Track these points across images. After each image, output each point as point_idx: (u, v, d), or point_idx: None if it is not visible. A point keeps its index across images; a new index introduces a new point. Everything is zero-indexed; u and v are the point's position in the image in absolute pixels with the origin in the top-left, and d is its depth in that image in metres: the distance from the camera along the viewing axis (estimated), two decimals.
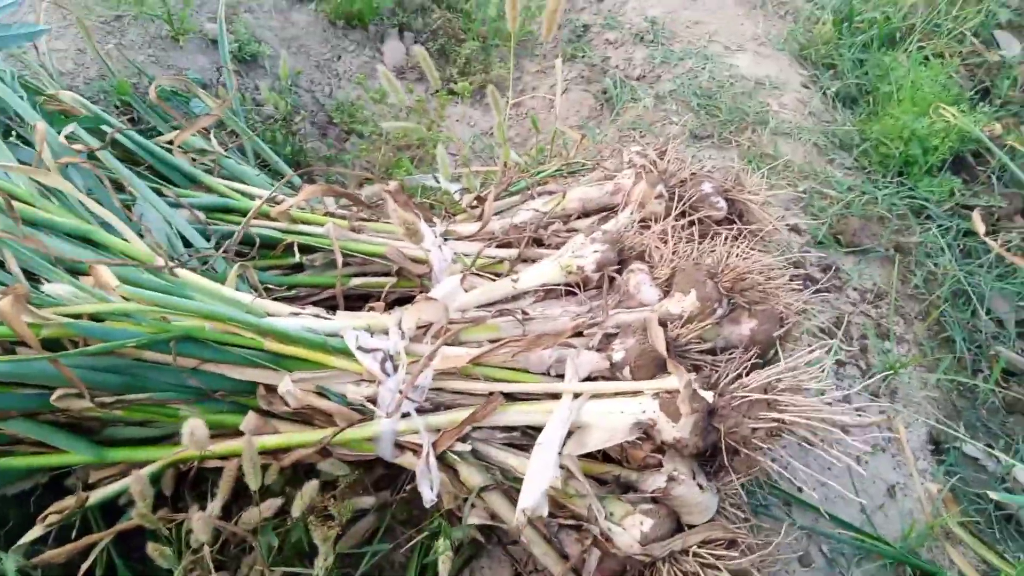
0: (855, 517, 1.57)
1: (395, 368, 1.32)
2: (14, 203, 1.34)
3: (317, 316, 1.40)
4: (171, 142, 1.84)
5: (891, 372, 1.83)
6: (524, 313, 1.41)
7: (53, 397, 1.21)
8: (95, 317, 1.23)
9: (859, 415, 1.69)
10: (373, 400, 1.31)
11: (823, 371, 1.34)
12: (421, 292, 1.66)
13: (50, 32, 2.25)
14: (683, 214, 1.63)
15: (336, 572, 1.30)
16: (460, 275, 1.52)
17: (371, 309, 1.59)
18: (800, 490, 1.57)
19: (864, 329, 1.96)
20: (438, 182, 2.06)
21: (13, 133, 1.69)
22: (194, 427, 1.08)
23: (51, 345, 1.19)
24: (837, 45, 3.00)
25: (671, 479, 1.24)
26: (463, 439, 1.31)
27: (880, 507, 1.61)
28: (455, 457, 1.32)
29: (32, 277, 1.32)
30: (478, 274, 1.63)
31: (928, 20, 3.09)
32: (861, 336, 1.94)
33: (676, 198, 1.64)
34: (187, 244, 1.60)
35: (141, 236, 1.49)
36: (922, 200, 2.41)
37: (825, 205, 2.27)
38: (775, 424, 1.21)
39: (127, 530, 1.31)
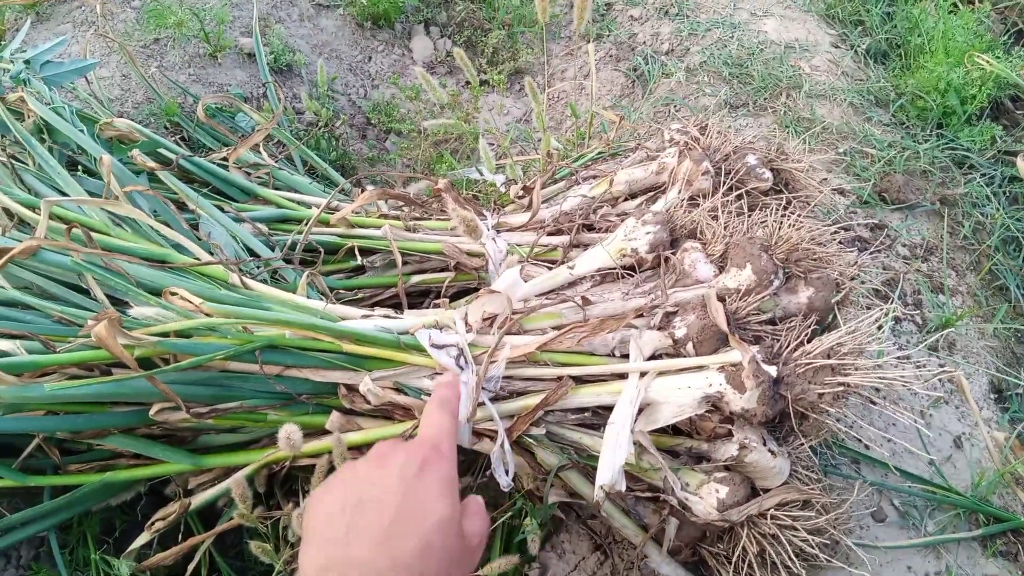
0: (924, 470, 1.59)
1: (467, 361, 1.37)
2: (92, 234, 1.41)
3: (387, 316, 1.46)
4: (225, 159, 1.91)
5: (948, 327, 1.84)
6: (585, 299, 1.45)
7: (152, 412, 1.28)
8: (181, 334, 1.30)
9: (923, 371, 1.71)
10: None
11: (882, 331, 1.37)
12: (479, 284, 1.72)
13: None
14: (730, 188, 1.65)
15: None
16: (519, 267, 1.56)
17: (434, 305, 1.65)
18: (867, 447, 1.60)
19: (917, 284, 1.97)
20: (482, 175, 2.11)
21: (79, 167, 1.76)
22: (290, 432, 1.14)
23: (143, 364, 1.25)
24: (863, 1, 2.98)
25: (743, 447, 1.27)
26: (536, 423, 1.36)
27: (948, 458, 1.63)
28: (530, 440, 1.37)
29: (116, 302, 1.40)
30: (533, 263, 1.68)
31: None
32: (915, 291, 1.95)
33: (722, 172, 1.67)
34: (253, 256, 1.67)
35: (211, 253, 1.56)
36: (963, 151, 2.39)
37: (867, 164, 2.28)
38: (841, 389, 1.24)
39: (222, 530, 1.39)
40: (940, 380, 1.75)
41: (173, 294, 1.31)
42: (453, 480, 0.81)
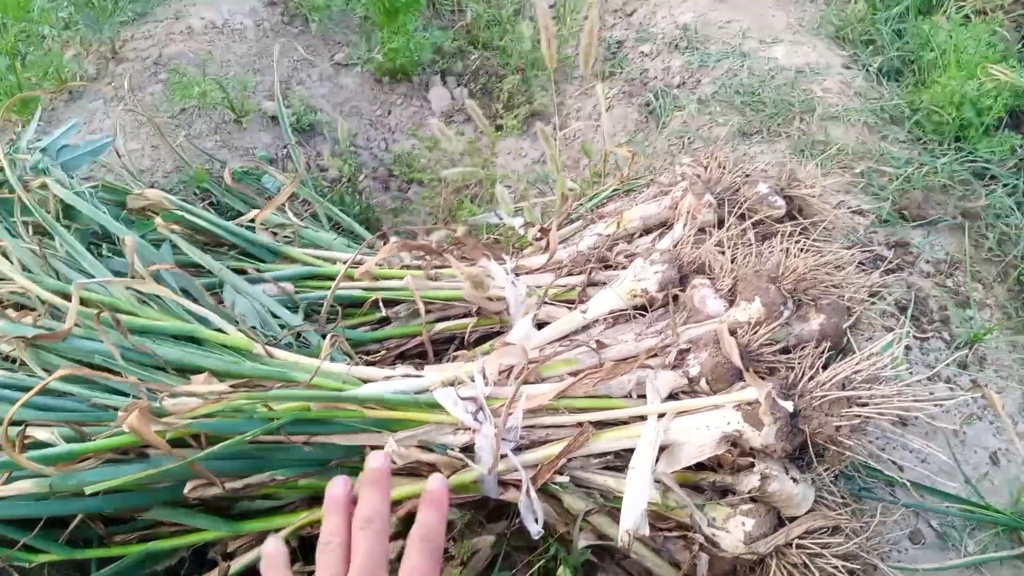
0: (960, 489, 1.57)
1: (486, 415, 1.39)
2: (119, 316, 1.45)
3: (407, 376, 1.49)
4: (252, 221, 1.98)
5: (975, 341, 1.82)
6: (599, 343, 1.47)
7: (187, 490, 1.32)
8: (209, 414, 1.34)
9: (948, 392, 1.70)
10: (472, 447, 1.39)
11: (898, 354, 1.36)
12: (501, 327, 1.75)
13: (124, 135, 2.44)
14: (742, 217, 1.67)
15: None
16: (532, 316, 1.59)
17: (456, 356, 1.68)
18: (901, 469, 1.58)
19: (943, 300, 1.95)
20: (500, 219, 2.16)
21: (102, 247, 1.82)
22: None
23: (174, 443, 1.28)
24: (872, 20, 2.99)
25: (764, 477, 1.28)
26: (560, 471, 1.37)
27: (984, 475, 1.61)
28: (556, 487, 1.39)
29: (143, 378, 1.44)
30: (552, 304, 1.70)
31: None
32: (941, 308, 1.93)
33: (731, 204, 1.68)
34: (275, 316, 1.72)
35: (236, 322, 1.61)
36: (983, 162, 2.38)
37: (885, 183, 2.27)
38: (859, 420, 1.24)
39: None
40: (972, 397, 1.73)
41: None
42: None
